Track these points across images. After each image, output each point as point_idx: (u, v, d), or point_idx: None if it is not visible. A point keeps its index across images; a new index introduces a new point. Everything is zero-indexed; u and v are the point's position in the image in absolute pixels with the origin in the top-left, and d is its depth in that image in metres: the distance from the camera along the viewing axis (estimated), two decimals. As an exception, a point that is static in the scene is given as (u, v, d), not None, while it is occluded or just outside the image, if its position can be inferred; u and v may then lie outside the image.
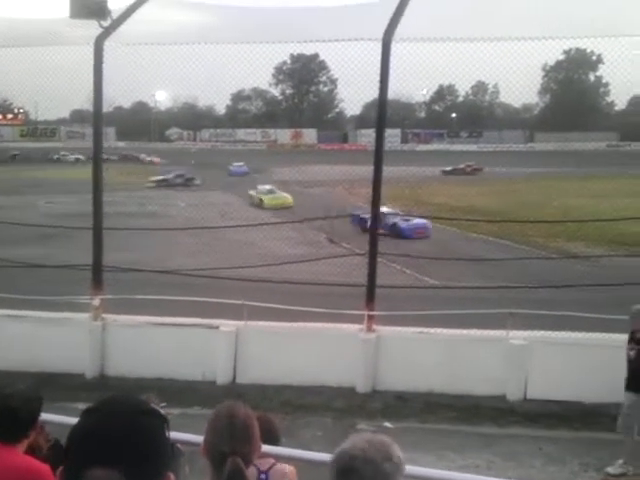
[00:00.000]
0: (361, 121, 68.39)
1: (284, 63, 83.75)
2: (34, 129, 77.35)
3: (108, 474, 1.52)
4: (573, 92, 76.32)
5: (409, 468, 3.45)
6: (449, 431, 9.83)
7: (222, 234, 21.77)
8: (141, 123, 67.40)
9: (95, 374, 11.72)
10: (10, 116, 74.29)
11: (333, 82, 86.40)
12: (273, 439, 3.94)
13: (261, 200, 33.18)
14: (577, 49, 63.00)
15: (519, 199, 30.57)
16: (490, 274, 17.10)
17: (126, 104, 56.34)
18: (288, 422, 9.19)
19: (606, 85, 73.92)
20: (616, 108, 72.42)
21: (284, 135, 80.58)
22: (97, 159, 12.22)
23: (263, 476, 3.64)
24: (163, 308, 12.08)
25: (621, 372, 8.64)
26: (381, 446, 2.07)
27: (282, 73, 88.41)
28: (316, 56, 79.19)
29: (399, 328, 11.54)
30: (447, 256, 20.65)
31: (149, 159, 54.65)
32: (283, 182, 36.53)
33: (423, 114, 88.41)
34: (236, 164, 47.73)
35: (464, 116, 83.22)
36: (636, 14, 11.43)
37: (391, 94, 11.54)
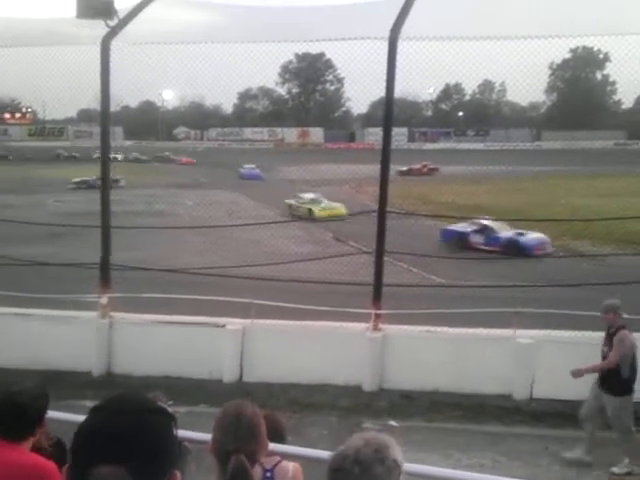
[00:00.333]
0: (368, 120, 68.36)
1: (290, 62, 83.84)
2: (42, 128, 77.62)
3: (115, 472, 1.53)
4: (580, 90, 76.21)
5: (414, 467, 3.48)
6: (455, 430, 9.81)
7: (229, 233, 21.81)
8: (148, 122, 67.55)
9: (102, 372, 11.74)
10: (18, 115, 74.62)
11: (340, 81, 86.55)
12: (279, 437, 3.95)
13: (310, 211, 29.56)
14: (584, 47, 62.71)
15: (526, 198, 30.50)
16: (497, 273, 17.08)
17: (133, 103, 56.55)
18: (294, 420, 9.20)
19: (613, 83, 73.88)
20: (623, 106, 72.30)
21: (291, 134, 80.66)
22: (104, 158, 12.25)
23: (268, 474, 3.64)
24: (170, 306, 12.11)
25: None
26: (377, 447, 2.02)
27: (288, 72, 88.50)
28: (322, 55, 79.31)
29: (406, 327, 11.54)
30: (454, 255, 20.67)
31: (184, 160, 54.33)
32: (290, 181, 36.52)
33: (430, 113, 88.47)
34: (247, 166, 45.43)
35: (471, 115, 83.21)
36: (643, 12, 11.41)
37: (398, 93, 11.54)
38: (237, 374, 11.57)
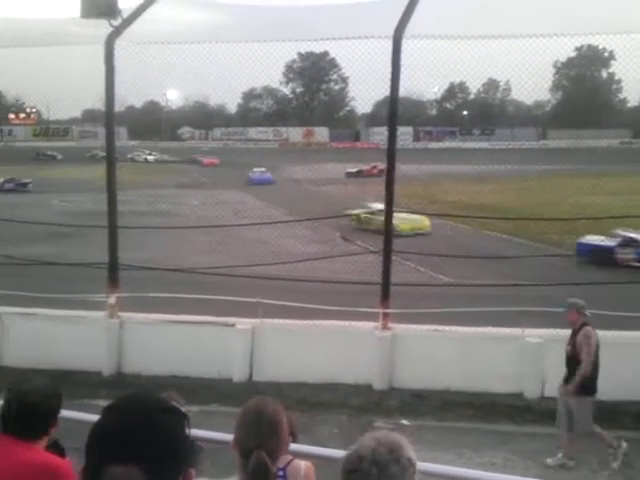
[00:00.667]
0: (372, 119, 68.44)
1: (294, 61, 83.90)
2: (46, 129, 78.01)
3: (129, 471, 1.53)
4: (585, 89, 76.15)
5: (428, 465, 3.45)
6: (466, 429, 9.80)
7: (235, 232, 21.80)
8: (152, 122, 67.73)
9: (112, 371, 11.77)
10: (23, 116, 74.99)
11: (344, 80, 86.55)
12: (291, 436, 3.94)
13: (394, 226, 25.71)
14: (589, 46, 62.72)
15: (532, 196, 30.43)
16: (504, 272, 17.03)
17: (137, 103, 56.75)
18: (305, 419, 9.19)
19: (618, 82, 73.77)
20: (629, 105, 72.27)
21: (296, 133, 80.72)
22: (110, 158, 12.23)
23: (281, 472, 3.63)
24: (178, 306, 12.12)
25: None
26: (391, 446, 1.99)
27: (292, 71, 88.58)
28: (326, 54, 79.39)
29: (414, 326, 11.55)
30: (461, 253, 20.59)
31: (206, 161, 54.23)
32: (296, 180, 36.54)
33: (434, 112, 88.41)
34: (257, 170, 42.90)
35: (476, 114, 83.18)
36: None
37: (402, 92, 11.55)
38: (247, 373, 11.58)
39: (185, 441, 1.66)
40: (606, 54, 68.53)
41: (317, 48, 69.28)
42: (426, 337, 11.35)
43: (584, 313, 8.67)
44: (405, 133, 54.95)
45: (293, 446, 3.85)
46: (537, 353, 10.80)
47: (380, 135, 46.63)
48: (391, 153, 11.28)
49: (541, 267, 18.34)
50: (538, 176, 39.20)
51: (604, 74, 78.84)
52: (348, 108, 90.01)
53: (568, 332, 10.74)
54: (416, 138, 68.21)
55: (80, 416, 3.95)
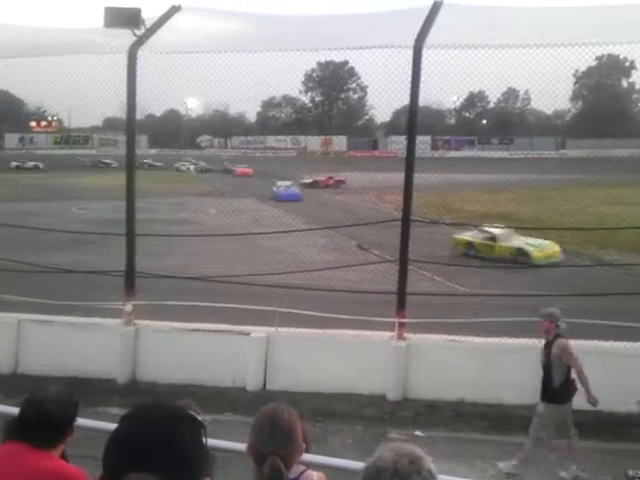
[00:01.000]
0: (391, 128, 68.43)
1: (313, 70, 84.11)
2: (67, 137, 78.55)
3: (146, 479, 1.54)
4: (605, 98, 75.56)
5: (442, 478, 3.45)
6: (480, 440, 9.74)
7: (252, 240, 21.81)
8: (172, 131, 68.00)
9: (126, 379, 11.78)
10: (44, 124, 75.54)
11: (363, 89, 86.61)
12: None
13: (523, 252, 23.46)
14: (609, 55, 62.05)
15: (551, 206, 30.22)
16: (521, 282, 16.93)
17: (158, 112, 56.92)
18: (318, 429, 9.18)
19: (639, 91, 73.16)
20: (649, 115, 71.69)
21: (314, 142, 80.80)
22: (130, 166, 12.29)
23: (294, 482, 3.63)
24: (194, 314, 12.13)
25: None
26: (411, 458, 1.98)
27: (312, 80, 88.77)
28: (345, 63, 79.53)
29: (430, 336, 11.49)
30: (477, 263, 20.52)
31: (239, 170, 54.32)
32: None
33: (453, 121, 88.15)
34: (281, 183, 39.64)
35: (495, 123, 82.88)
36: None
37: (421, 100, 11.51)
38: (261, 382, 11.57)
39: (202, 450, 1.68)
40: (627, 63, 68.16)
41: (337, 57, 69.49)
42: (442, 347, 11.29)
43: (557, 324, 8.61)
44: (423, 142, 54.63)
45: (306, 456, 3.86)
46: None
47: (398, 144, 46.61)
48: (409, 162, 11.26)
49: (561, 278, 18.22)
50: (557, 186, 38.94)
51: (624, 83, 78.39)
52: (367, 117, 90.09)
53: (585, 343, 10.78)
54: (434, 147, 68.00)
55: (93, 424, 3.97)
